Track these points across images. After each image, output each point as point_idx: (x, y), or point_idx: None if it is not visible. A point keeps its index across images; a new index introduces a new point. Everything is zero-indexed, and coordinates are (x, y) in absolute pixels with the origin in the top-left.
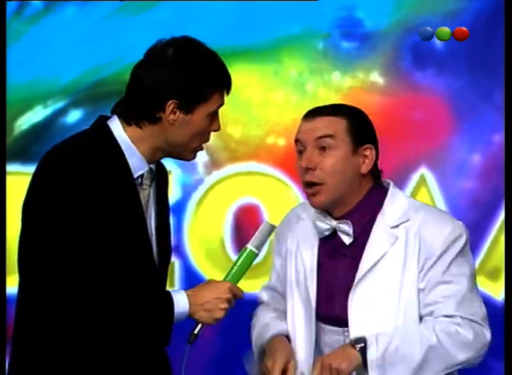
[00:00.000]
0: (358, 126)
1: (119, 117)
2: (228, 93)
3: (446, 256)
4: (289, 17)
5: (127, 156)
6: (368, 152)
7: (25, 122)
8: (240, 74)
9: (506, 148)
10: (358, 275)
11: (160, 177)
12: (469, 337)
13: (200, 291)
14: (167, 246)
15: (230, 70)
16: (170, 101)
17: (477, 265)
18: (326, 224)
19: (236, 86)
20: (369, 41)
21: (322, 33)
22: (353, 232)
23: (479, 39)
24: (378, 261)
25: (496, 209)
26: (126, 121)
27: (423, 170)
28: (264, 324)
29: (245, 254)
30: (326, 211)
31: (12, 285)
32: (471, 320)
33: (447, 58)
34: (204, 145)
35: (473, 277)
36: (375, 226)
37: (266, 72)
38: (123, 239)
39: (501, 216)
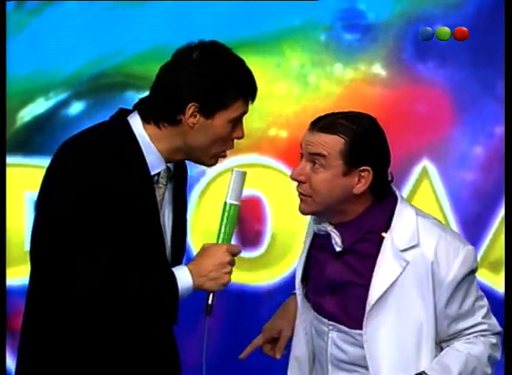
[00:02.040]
0: (358, 147)
1: (140, 114)
2: (253, 101)
3: (461, 290)
4: (291, 9)
5: (145, 153)
6: (364, 174)
7: (27, 114)
8: None
9: (506, 140)
10: (370, 301)
11: (179, 176)
12: (497, 356)
13: (201, 262)
14: (181, 245)
15: None
16: (191, 104)
17: (479, 257)
18: (322, 227)
19: None
20: (371, 33)
21: (324, 25)
22: (342, 243)
23: (481, 31)
24: (389, 288)
25: (498, 201)
26: (146, 119)
27: (425, 162)
28: None
29: (228, 210)
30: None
31: (12, 277)
32: (494, 333)
33: (449, 50)
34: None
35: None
36: (383, 248)
37: (268, 64)
38: (136, 234)
39: (503, 208)
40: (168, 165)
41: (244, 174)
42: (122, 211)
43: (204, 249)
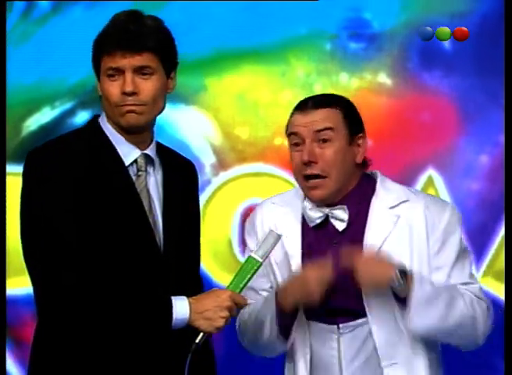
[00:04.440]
0: (352, 116)
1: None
2: (122, 50)
3: (454, 238)
4: (297, 18)
5: (116, 145)
6: (360, 141)
7: (33, 123)
8: (248, 75)
9: (506, 148)
10: None
11: (172, 167)
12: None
13: (202, 300)
14: (177, 232)
15: (238, 72)
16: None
17: (484, 266)
18: (319, 212)
19: (244, 87)
20: (376, 42)
21: (330, 34)
22: (348, 218)
23: (487, 40)
24: (383, 243)
25: (503, 210)
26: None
27: (430, 171)
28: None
29: (249, 263)
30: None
31: (16, 286)
32: (480, 298)
33: (454, 59)
34: (211, 146)
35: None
36: (371, 210)
37: (273, 73)
38: (120, 224)
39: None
40: (147, 152)
41: (278, 237)
42: (102, 205)
43: (211, 290)
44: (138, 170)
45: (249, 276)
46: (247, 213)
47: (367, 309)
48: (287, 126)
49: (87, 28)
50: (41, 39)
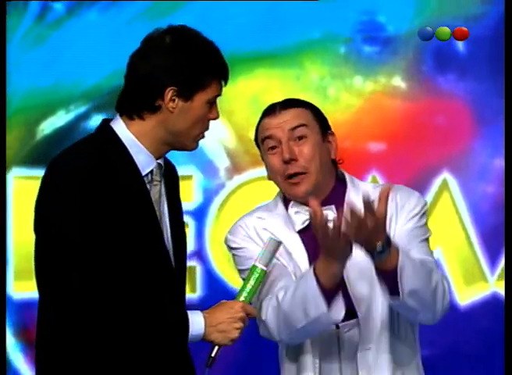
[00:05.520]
0: (319, 114)
1: (122, 114)
2: (226, 83)
3: (419, 218)
4: (311, 22)
5: (134, 154)
6: (331, 138)
7: (47, 127)
8: (262, 79)
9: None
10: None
11: (169, 174)
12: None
13: (214, 313)
14: (182, 241)
15: (252, 75)
16: (169, 88)
17: (499, 269)
18: (305, 215)
19: (258, 91)
20: (391, 46)
21: (344, 38)
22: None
23: (502, 42)
24: None
25: None
26: (128, 115)
27: (445, 175)
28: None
29: (254, 272)
30: (302, 203)
31: (32, 290)
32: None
33: (469, 63)
34: (225, 150)
35: None
36: (347, 210)
37: (287, 77)
38: (136, 238)
39: None
40: (159, 161)
41: (279, 244)
42: (119, 217)
43: (222, 303)
44: (153, 180)
45: (256, 286)
46: None
47: (356, 308)
48: (258, 133)
49: (102, 31)
50: (56, 42)
